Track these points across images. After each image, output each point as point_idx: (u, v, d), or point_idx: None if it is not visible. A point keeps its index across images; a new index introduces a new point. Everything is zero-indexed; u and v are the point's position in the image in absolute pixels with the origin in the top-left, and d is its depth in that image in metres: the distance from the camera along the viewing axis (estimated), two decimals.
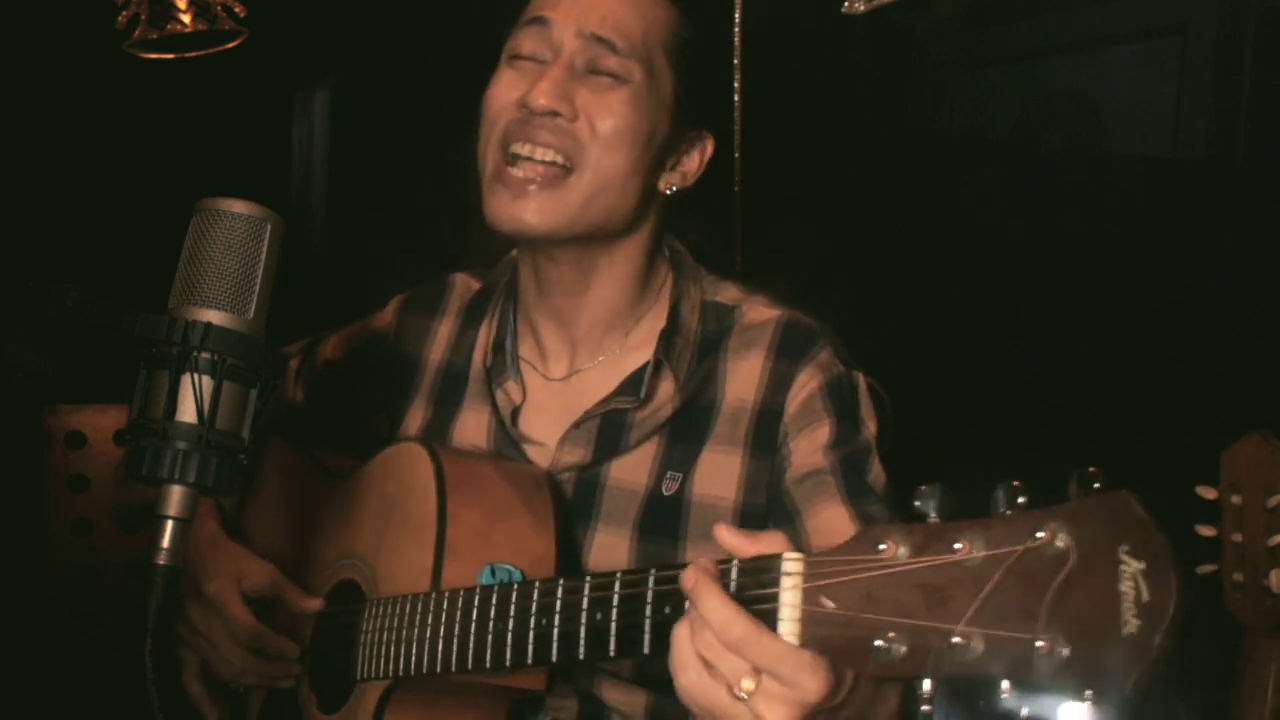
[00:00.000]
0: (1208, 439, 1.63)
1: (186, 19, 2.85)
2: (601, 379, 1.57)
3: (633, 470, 1.53)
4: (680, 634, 1.05)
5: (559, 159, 1.44)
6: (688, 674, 1.05)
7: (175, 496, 1.15)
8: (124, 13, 2.84)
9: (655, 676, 1.52)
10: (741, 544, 1.08)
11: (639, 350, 1.57)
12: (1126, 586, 0.82)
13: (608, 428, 1.54)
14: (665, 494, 1.51)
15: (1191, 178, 2.55)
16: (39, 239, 2.79)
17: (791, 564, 1.01)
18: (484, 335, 1.65)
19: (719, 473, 1.51)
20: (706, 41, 1.56)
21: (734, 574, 1.05)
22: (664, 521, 1.50)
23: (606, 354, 1.58)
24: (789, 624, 0.99)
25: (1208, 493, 1.62)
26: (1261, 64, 2.41)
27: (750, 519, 1.49)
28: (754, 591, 1.03)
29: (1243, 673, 1.59)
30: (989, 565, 0.87)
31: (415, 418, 1.66)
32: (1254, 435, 1.59)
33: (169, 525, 1.15)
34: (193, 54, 2.93)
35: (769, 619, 1.01)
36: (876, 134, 3.00)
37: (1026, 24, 2.85)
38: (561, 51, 1.47)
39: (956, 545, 0.89)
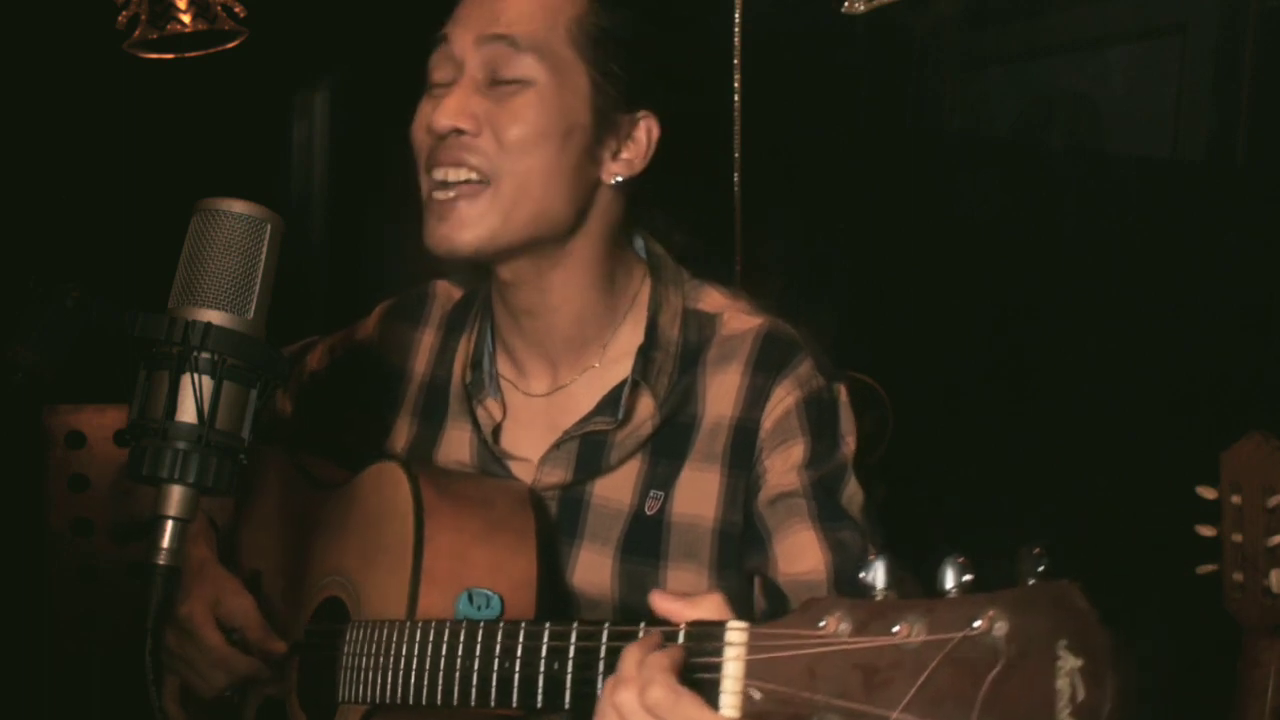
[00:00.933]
0: (1208, 439, 1.63)
1: (186, 19, 2.85)
2: (583, 395, 1.54)
3: (617, 488, 1.51)
4: (609, 683, 1.06)
5: (473, 175, 1.43)
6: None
7: (175, 496, 1.15)
8: (124, 13, 2.84)
9: None
10: (678, 609, 1.08)
11: (619, 363, 1.54)
12: (1063, 683, 0.80)
13: (587, 448, 1.51)
14: (648, 513, 1.49)
15: (1191, 178, 2.55)
16: (39, 239, 2.79)
17: (735, 634, 1.00)
18: (462, 351, 1.62)
19: (698, 491, 1.48)
20: (632, 26, 1.50)
21: (681, 639, 1.05)
22: (645, 542, 1.49)
23: (587, 367, 1.55)
24: (730, 696, 0.99)
25: (1208, 493, 1.62)
26: (1261, 64, 2.41)
27: (728, 538, 1.48)
28: (697, 659, 1.02)
29: (1243, 673, 1.59)
30: (927, 650, 0.86)
31: (401, 432, 1.64)
32: (1254, 435, 1.59)
33: (169, 525, 1.15)
34: (193, 54, 2.93)
35: (710, 689, 1.00)
36: (876, 134, 3.00)
37: (1026, 24, 2.85)
38: (464, 67, 1.46)
39: (896, 628, 0.88)
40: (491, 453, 1.56)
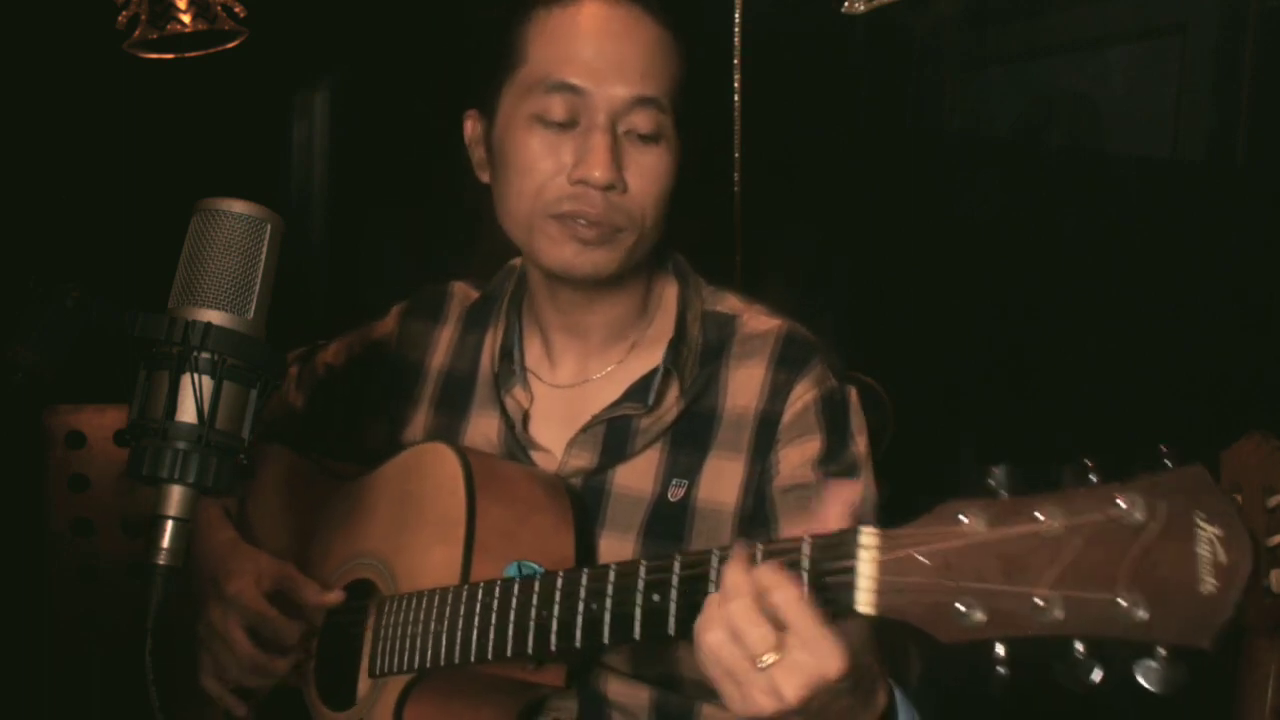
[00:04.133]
0: (1208, 439, 1.63)
1: (186, 19, 2.85)
2: (607, 386, 1.60)
3: (639, 477, 1.55)
4: (711, 599, 1.09)
5: (621, 227, 1.50)
6: (715, 634, 1.07)
7: (175, 496, 1.15)
8: (124, 13, 2.84)
9: (658, 673, 1.53)
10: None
11: (643, 358, 1.60)
12: (1204, 550, 0.87)
13: (613, 434, 1.56)
14: (671, 500, 1.53)
15: (1191, 178, 2.55)
16: (39, 239, 2.79)
17: (868, 538, 1.03)
18: (490, 342, 1.67)
19: (723, 479, 1.53)
20: (694, 68, 1.58)
21: (807, 549, 1.07)
22: (670, 527, 1.53)
23: (613, 363, 1.62)
24: (865, 594, 1.02)
25: None
26: (1261, 64, 2.41)
27: (746, 522, 1.52)
28: (830, 564, 1.05)
29: (1243, 673, 1.59)
30: (1069, 534, 0.92)
31: (418, 423, 1.68)
32: (1254, 435, 1.59)
33: (169, 525, 1.15)
34: (193, 54, 2.93)
35: (845, 591, 1.03)
36: (876, 134, 3.00)
37: (1026, 24, 2.85)
38: (599, 116, 1.48)
39: (1038, 514, 0.93)
40: (517, 440, 1.60)
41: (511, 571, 1.35)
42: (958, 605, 0.95)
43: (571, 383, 1.63)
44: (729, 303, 1.64)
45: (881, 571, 1.01)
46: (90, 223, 2.92)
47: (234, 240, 1.17)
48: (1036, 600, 0.91)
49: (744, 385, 1.56)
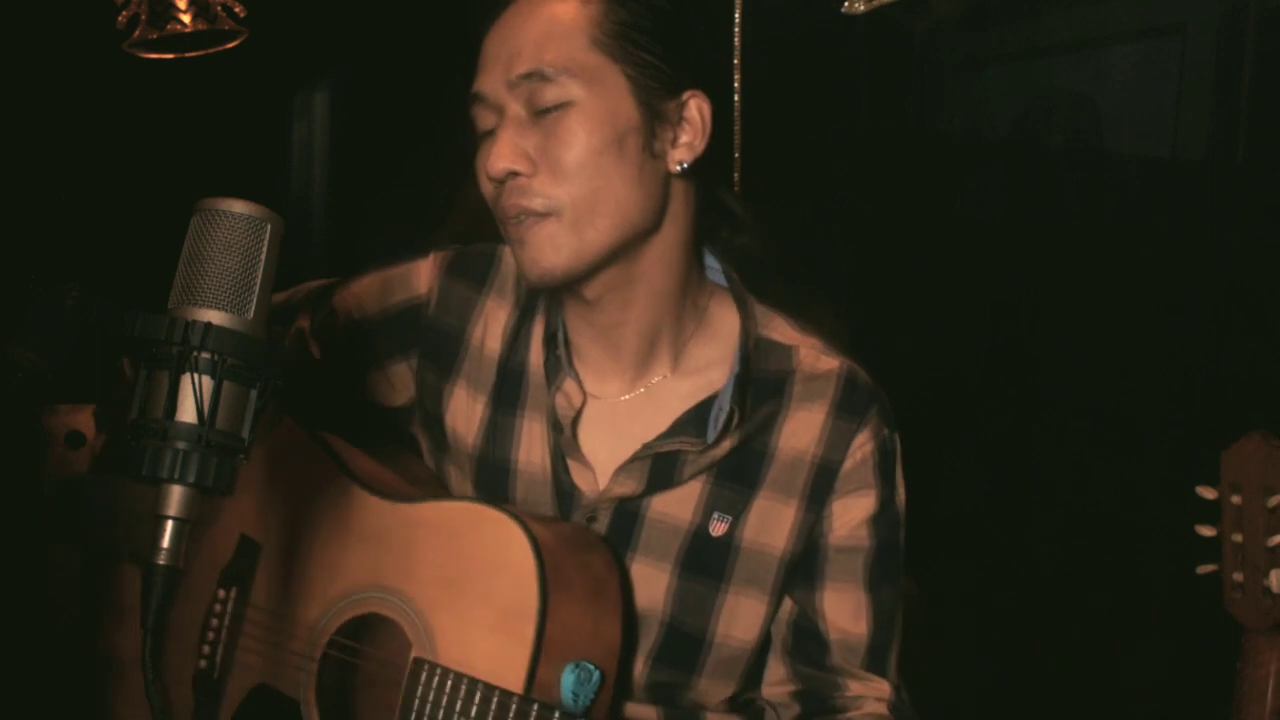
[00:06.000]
0: (1208, 439, 1.63)
1: (186, 19, 2.85)
2: (652, 407, 1.54)
3: (678, 506, 1.52)
4: None
5: (537, 210, 1.44)
6: None
7: (175, 496, 1.15)
8: (124, 13, 2.84)
9: (666, 694, 1.52)
10: None
11: (692, 379, 1.55)
12: None
13: (662, 463, 1.52)
14: (713, 535, 1.51)
15: (1191, 178, 2.55)
16: (39, 239, 2.78)
17: None
18: (538, 329, 1.60)
19: (772, 521, 1.51)
20: (648, 9, 1.48)
21: None
22: (710, 562, 1.51)
23: (655, 379, 1.56)
24: None
25: (1208, 493, 1.61)
26: (1261, 64, 2.41)
27: (791, 568, 1.52)
28: None
29: (1243, 673, 1.59)
30: None
31: (472, 416, 1.60)
32: (1254, 435, 1.59)
33: (169, 525, 1.15)
34: (193, 54, 2.92)
35: None
36: (876, 134, 3.00)
37: (1026, 24, 2.85)
38: (504, 111, 1.45)
39: None
40: (562, 451, 1.54)
41: (568, 676, 1.34)
42: None
43: (613, 395, 1.56)
44: (784, 331, 1.59)
45: None
46: (90, 223, 2.92)
47: (234, 240, 1.17)
48: None
49: (803, 428, 1.52)
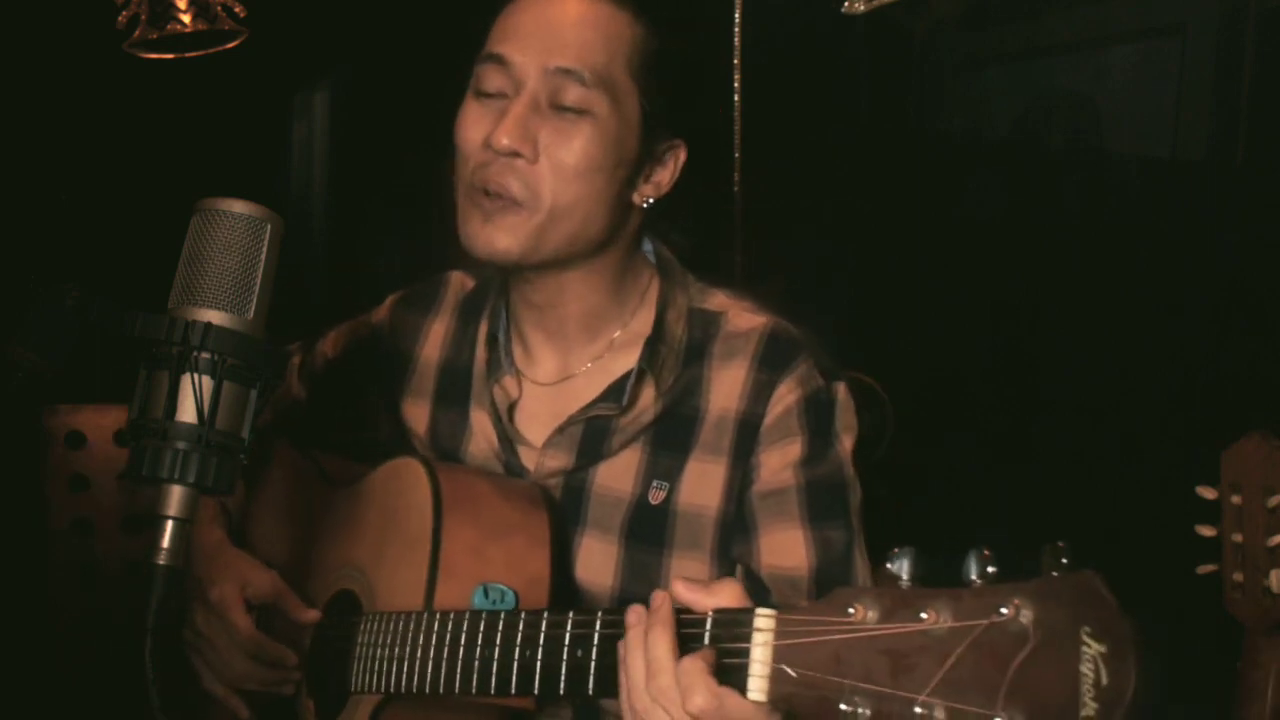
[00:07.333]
0: (1208, 439, 1.63)
1: (186, 19, 2.85)
2: (587, 385, 1.57)
3: (618, 477, 1.53)
4: (637, 672, 1.11)
5: (518, 198, 1.44)
6: (641, 700, 1.10)
7: (175, 496, 1.15)
8: (124, 13, 2.84)
9: None
10: (699, 598, 1.11)
11: (624, 356, 1.57)
12: (1087, 669, 0.82)
13: (590, 434, 1.54)
14: (652, 503, 1.51)
15: (1191, 178, 2.55)
16: (39, 239, 2.79)
17: (763, 621, 1.02)
18: (482, 332, 1.65)
19: (705, 482, 1.51)
20: (676, 48, 1.52)
21: (708, 625, 1.08)
22: (651, 530, 1.51)
23: (593, 360, 1.58)
24: (758, 680, 1.01)
25: (1208, 493, 1.62)
26: (1261, 64, 2.41)
27: (728, 527, 1.50)
28: (726, 645, 1.05)
29: (1243, 673, 1.59)
30: (953, 637, 0.89)
31: (419, 418, 1.66)
32: (1254, 435, 1.59)
33: (169, 525, 1.15)
34: (193, 54, 2.93)
35: (739, 674, 1.03)
36: (876, 134, 3.00)
37: (1026, 24, 2.86)
38: (524, 87, 1.45)
39: (923, 614, 0.90)
40: (507, 435, 1.58)
41: (478, 595, 1.34)
42: (843, 706, 0.93)
43: (553, 380, 1.60)
44: (717, 299, 1.60)
45: (774, 658, 1.01)
46: (90, 223, 2.92)
47: (234, 240, 1.17)
48: (918, 708, 0.89)
49: (726, 386, 1.53)
